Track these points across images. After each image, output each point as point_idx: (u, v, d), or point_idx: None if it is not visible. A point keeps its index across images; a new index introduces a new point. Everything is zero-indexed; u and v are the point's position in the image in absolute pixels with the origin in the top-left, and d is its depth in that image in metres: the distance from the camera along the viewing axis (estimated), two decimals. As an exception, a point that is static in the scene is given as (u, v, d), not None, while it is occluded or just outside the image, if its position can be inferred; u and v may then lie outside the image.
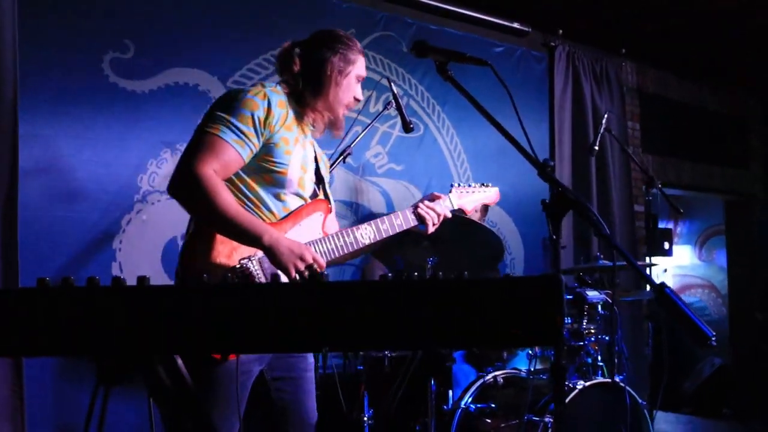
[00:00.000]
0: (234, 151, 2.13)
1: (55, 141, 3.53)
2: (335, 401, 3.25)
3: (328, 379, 3.37)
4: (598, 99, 5.93)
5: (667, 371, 4.54)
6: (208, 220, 2.12)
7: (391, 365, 3.54)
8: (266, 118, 2.18)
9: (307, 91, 2.34)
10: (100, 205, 3.61)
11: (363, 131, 3.86)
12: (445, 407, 3.57)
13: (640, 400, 3.43)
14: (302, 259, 2.10)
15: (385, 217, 2.47)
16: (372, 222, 2.43)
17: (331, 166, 3.70)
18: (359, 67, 2.43)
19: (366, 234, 2.40)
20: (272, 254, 2.09)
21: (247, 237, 2.09)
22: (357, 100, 2.46)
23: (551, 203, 1.75)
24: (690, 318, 1.54)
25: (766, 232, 3.75)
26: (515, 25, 5.37)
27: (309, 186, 2.36)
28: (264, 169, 2.22)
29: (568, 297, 3.57)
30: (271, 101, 2.20)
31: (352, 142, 3.76)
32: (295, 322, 1.23)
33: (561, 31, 5.69)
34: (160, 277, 3.73)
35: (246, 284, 1.31)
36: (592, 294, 3.55)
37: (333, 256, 2.31)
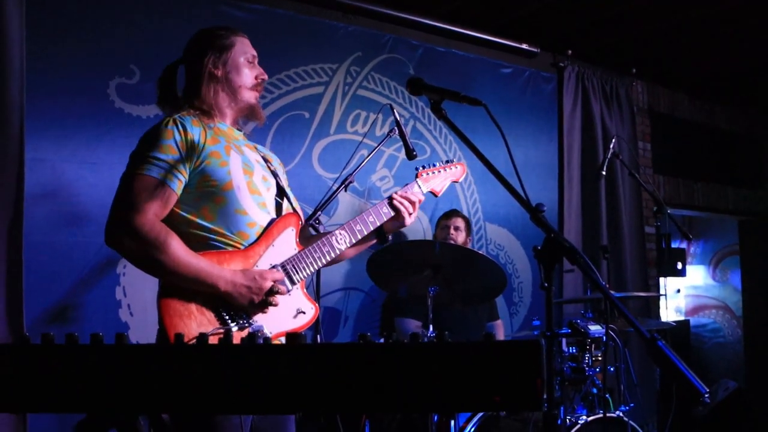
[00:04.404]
0: (166, 186, 2.10)
1: (60, 165, 3.54)
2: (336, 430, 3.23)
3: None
4: (608, 119, 5.87)
5: (676, 397, 4.45)
6: (158, 274, 2.12)
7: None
8: (186, 139, 2.14)
9: (201, 99, 2.30)
10: (104, 229, 3.59)
11: (368, 156, 3.82)
12: (447, 437, 3.54)
13: (640, 432, 3.38)
14: (261, 290, 2.11)
15: (357, 218, 2.46)
16: (345, 226, 2.42)
17: (333, 194, 3.68)
18: (240, 48, 2.40)
19: (341, 239, 2.38)
20: (233, 298, 2.10)
21: (204, 288, 2.08)
22: (261, 78, 2.42)
23: (543, 250, 1.71)
24: (682, 373, 1.51)
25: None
26: (523, 46, 5.32)
27: (262, 187, 2.28)
28: (209, 192, 2.16)
29: (566, 331, 3.52)
30: (184, 123, 2.17)
31: (356, 168, 3.73)
32: (272, 384, 1.21)
33: (570, 52, 5.65)
34: (163, 303, 3.73)
35: (227, 345, 1.29)
36: (594, 329, 3.50)
37: (313, 269, 2.31)
